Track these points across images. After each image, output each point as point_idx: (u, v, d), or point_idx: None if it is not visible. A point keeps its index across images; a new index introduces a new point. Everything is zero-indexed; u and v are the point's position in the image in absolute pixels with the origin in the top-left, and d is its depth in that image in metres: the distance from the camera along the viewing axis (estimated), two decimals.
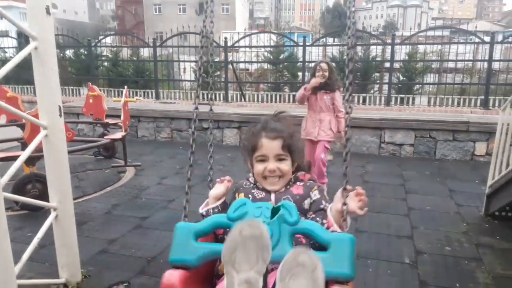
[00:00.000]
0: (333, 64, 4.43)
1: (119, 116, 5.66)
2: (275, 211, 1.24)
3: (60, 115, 2.65)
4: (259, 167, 1.59)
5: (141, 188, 4.76)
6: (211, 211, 1.61)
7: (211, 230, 1.30)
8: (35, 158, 4.14)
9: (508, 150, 3.66)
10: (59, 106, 2.63)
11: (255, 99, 10.21)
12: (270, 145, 1.56)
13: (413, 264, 3.04)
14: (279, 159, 1.58)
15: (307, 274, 0.98)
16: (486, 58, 8.38)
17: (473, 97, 8.82)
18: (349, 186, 1.39)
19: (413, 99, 9.70)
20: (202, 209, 1.65)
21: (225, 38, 10.24)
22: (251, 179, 1.70)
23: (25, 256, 2.42)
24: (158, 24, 45.87)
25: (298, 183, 1.61)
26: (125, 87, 6.35)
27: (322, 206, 1.53)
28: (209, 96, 1.84)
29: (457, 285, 2.77)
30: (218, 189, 1.68)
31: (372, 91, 10.64)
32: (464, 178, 5.15)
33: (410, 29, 10.01)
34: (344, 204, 1.34)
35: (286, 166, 1.57)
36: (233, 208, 1.26)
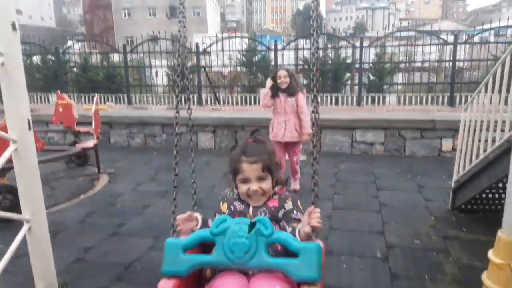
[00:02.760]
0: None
1: (90, 123, 5.60)
2: (252, 225, 1.40)
3: (30, 129, 2.63)
4: (243, 188, 1.72)
5: (116, 195, 4.73)
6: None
7: (196, 244, 1.47)
8: (5, 170, 4.05)
9: (471, 146, 3.84)
10: (28, 120, 2.61)
11: (230, 102, 10.26)
12: (250, 169, 1.69)
13: (384, 258, 3.15)
14: (260, 179, 1.70)
15: None
16: (451, 57, 8.71)
17: (440, 94, 9.15)
18: (311, 209, 1.58)
19: (383, 98, 9.97)
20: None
21: (197, 43, 10.25)
22: (235, 191, 1.81)
23: (0, 268, 2.38)
24: (128, 29, 45.19)
25: (274, 196, 1.76)
26: (96, 94, 6.28)
27: (293, 216, 1.70)
28: (184, 99, 2.06)
29: (426, 276, 2.89)
30: (187, 228, 1.71)
31: (343, 91, 10.88)
32: (432, 174, 5.36)
33: (377, 31, 10.28)
34: (312, 228, 1.51)
35: (267, 185, 1.70)
36: (215, 224, 1.44)
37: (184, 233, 1.65)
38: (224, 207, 1.81)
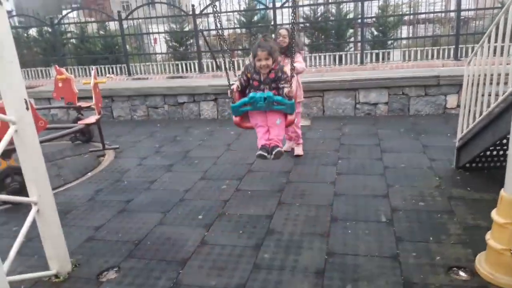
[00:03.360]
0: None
1: (92, 98, 5.56)
2: (265, 97, 3.35)
3: (27, 108, 2.61)
4: (257, 63, 3.37)
5: (122, 171, 4.78)
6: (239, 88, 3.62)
7: (243, 104, 3.45)
8: (10, 151, 4.08)
9: (475, 102, 3.77)
10: (25, 99, 2.59)
11: (231, 67, 10.07)
12: (262, 53, 3.33)
13: (389, 222, 3.19)
14: (266, 59, 3.34)
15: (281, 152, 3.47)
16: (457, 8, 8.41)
17: (446, 47, 8.92)
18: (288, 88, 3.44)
19: (388, 54, 9.74)
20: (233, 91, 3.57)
21: (192, 5, 9.96)
22: (253, 65, 3.47)
23: (13, 252, 2.45)
24: None
25: (272, 71, 3.42)
26: (93, 68, 6.21)
27: (283, 78, 3.43)
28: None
29: (431, 238, 2.93)
30: (236, 86, 3.58)
31: (347, 49, 10.63)
32: (437, 132, 5.31)
33: None
34: (289, 95, 3.44)
35: (269, 62, 3.37)
36: (250, 97, 3.40)
37: (236, 93, 3.56)
38: (249, 75, 3.50)
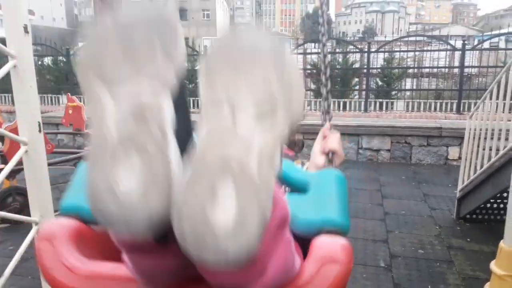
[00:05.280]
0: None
1: None
2: None
3: (40, 131, 2.69)
4: None
5: None
6: None
7: None
8: (15, 171, 4.13)
9: (476, 155, 3.84)
10: (39, 122, 2.67)
11: None
12: None
13: (387, 268, 3.17)
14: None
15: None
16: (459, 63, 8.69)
17: (448, 101, 9.11)
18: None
19: (392, 103, 9.95)
20: None
21: (205, 46, 10.32)
22: None
23: (8, 271, 2.43)
24: None
25: None
26: None
27: None
28: None
29: (429, 286, 2.91)
30: None
31: (351, 96, 10.88)
32: (438, 182, 5.35)
33: (385, 36, 10.28)
34: (329, 154, 1.07)
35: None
36: None
37: None
38: None
